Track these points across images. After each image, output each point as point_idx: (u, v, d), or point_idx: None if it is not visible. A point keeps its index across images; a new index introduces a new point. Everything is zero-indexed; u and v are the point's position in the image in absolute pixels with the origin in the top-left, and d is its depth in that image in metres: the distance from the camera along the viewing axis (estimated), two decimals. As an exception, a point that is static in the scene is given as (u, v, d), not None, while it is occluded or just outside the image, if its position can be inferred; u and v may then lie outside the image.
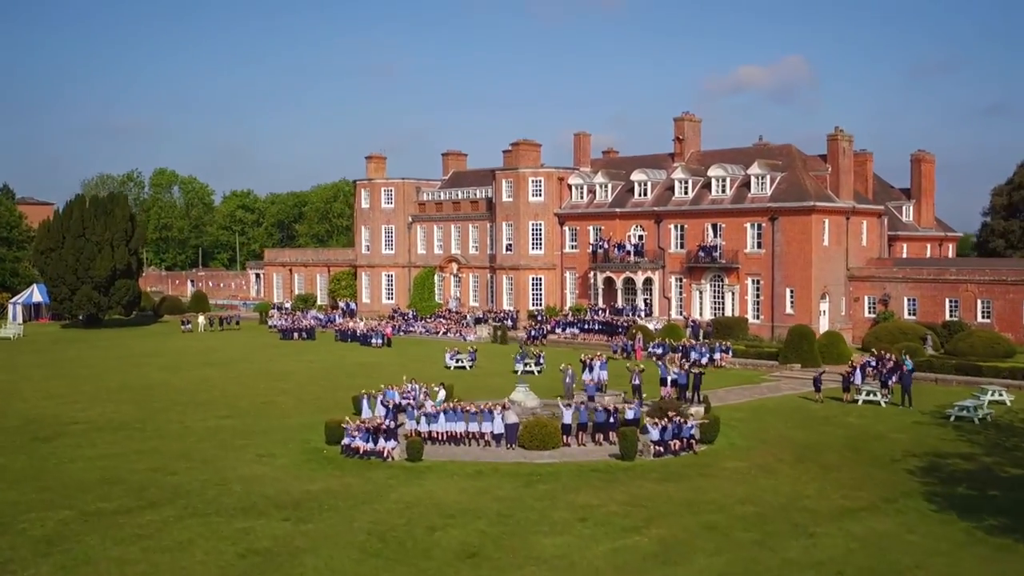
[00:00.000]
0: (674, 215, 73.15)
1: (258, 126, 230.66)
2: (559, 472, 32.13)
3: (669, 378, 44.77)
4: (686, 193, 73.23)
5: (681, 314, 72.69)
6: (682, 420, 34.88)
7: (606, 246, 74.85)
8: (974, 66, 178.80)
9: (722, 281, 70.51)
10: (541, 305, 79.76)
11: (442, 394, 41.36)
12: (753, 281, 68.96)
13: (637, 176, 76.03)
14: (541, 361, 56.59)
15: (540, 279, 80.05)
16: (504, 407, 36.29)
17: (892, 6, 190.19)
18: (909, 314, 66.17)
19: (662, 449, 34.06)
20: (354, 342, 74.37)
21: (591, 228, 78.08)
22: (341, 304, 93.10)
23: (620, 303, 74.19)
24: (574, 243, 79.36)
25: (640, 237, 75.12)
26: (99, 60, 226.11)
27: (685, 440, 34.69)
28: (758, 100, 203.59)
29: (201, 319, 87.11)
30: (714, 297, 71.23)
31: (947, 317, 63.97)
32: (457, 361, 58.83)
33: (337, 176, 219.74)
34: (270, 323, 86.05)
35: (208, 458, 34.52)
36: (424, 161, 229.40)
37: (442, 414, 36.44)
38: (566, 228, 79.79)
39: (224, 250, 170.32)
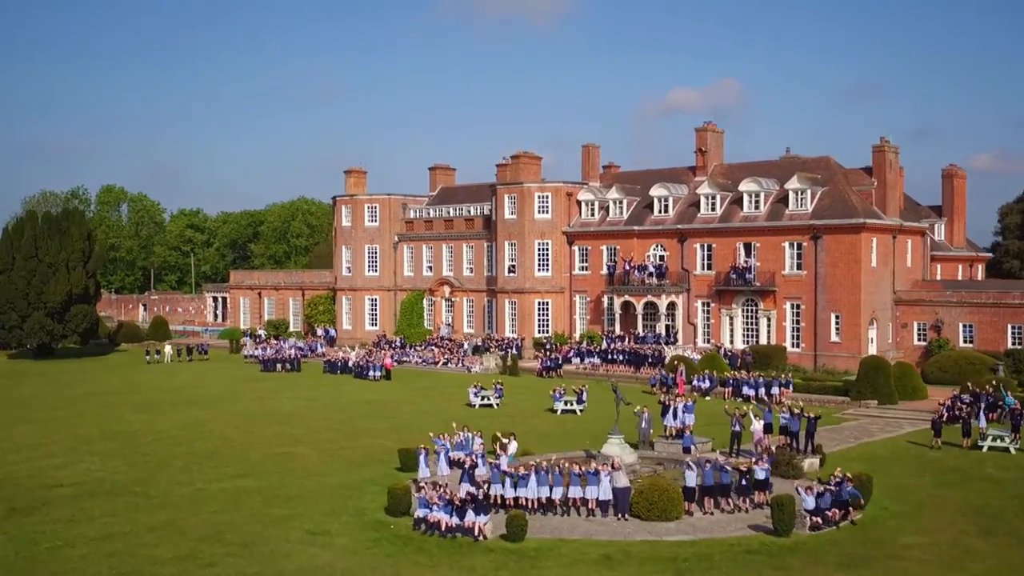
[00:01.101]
0: (701, 233, 66.91)
1: (202, 144, 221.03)
2: (709, 556, 25.26)
3: (761, 423, 37.88)
4: (713, 209, 67.06)
5: (708, 342, 66.36)
6: (841, 482, 28.23)
7: (626, 267, 68.30)
8: (901, 90, 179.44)
9: (756, 306, 64.34)
10: (548, 332, 72.93)
11: (514, 446, 34.35)
12: (792, 306, 62.88)
13: (657, 191, 69.72)
14: (584, 399, 49.66)
15: (547, 303, 73.24)
16: (613, 467, 29.34)
17: (822, 31, 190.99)
18: (965, 342, 60.59)
19: (820, 520, 27.40)
20: (345, 374, 66.92)
21: (604, 248, 71.54)
22: (320, 331, 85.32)
23: (640, 330, 67.62)
24: (585, 264, 72.74)
25: (661, 258, 68.74)
26: (34, 76, 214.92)
27: (842, 508, 28.05)
28: (692, 122, 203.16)
29: (168, 348, 78.80)
30: (747, 323, 65.03)
31: (1009, 345, 58.40)
32: (483, 398, 51.74)
33: (294, 193, 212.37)
34: (245, 352, 78.05)
35: (247, 538, 27.06)
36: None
37: (533, 475, 29.36)
38: (575, 248, 73.16)
39: (172, 272, 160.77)
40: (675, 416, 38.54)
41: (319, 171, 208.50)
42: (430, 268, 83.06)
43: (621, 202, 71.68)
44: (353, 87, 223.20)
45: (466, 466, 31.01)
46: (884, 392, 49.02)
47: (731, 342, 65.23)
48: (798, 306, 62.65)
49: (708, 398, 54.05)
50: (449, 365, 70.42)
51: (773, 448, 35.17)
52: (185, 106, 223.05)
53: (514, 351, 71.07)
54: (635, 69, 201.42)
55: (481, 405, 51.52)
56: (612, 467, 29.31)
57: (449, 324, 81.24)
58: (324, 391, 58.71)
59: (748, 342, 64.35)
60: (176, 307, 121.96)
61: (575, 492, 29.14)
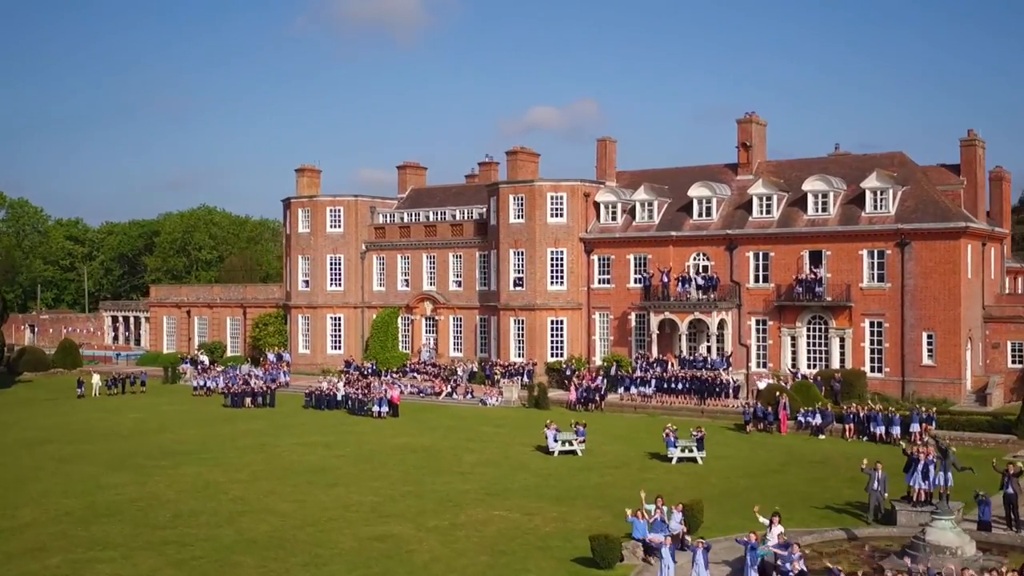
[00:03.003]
0: (755, 240, 57.61)
1: (68, 152, 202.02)
2: None
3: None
4: (769, 212, 57.85)
5: (765, 366, 57.04)
6: None
7: (664, 279, 58.39)
8: (756, 110, 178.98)
9: (826, 323, 55.36)
10: (563, 355, 62.40)
11: (778, 529, 23.86)
12: (872, 323, 54.13)
13: (698, 191, 60.10)
14: (700, 445, 39.29)
15: (561, 322, 62.71)
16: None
17: (678, 54, 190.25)
18: (1070, 363, 52.98)
19: None
20: (332, 409, 55.12)
21: (631, 257, 61.51)
22: (270, 356, 72.51)
23: (685, 352, 57.81)
24: (606, 276, 62.55)
25: (704, 268, 59.14)
26: None
27: None
28: (551, 140, 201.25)
29: (96, 379, 64.89)
30: (813, 344, 55.96)
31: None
32: (563, 444, 40.93)
33: (194, 202, 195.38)
34: (194, 383, 64.86)
35: None
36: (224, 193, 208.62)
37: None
38: (595, 257, 62.90)
39: (49, 288, 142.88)
40: (926, 474, 28.48)
41: (153, 186, 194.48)
42: (406, 281, 71.51)
43: (651, 204, 61.80)
44: (209, 100, 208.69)
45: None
46: (1057, 428, 40.46)
47: (792, 365, 56.05)
48: (880, 324, 53.94)
49: (822, 437, 44.63)
50: (455, 396, 59.13)
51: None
52: (44, 112, 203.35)
53: (524, 378, 60.40)
54: (496, 86, 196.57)
55: (561, 452, 40.73)
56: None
57: (432, 347, 69.77)
58: (336, 434, 46.84)
59: (815, 366, 55.29)
60: (69, 328, 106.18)
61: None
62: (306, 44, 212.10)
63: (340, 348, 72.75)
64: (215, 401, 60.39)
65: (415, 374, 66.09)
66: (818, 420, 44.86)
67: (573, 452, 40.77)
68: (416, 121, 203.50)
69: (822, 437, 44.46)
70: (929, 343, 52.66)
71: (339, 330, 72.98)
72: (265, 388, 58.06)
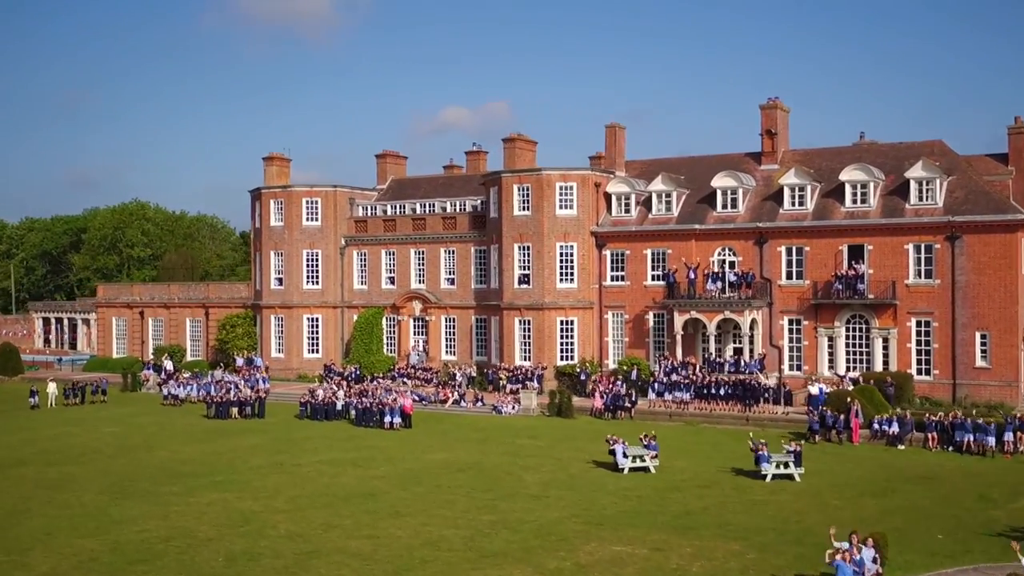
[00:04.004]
0: (788, 233, 53.61)
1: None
2: None
3: None
4: (802, 204, 53.87)
5: (799, 369, 53.11)
6: None
7: (691, 276, 54.03)
8: (664, 116, 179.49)
9: (867, 323, 51.61)
10: (572, 358, 57.65)
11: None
12: (919, 323, 50.53)
13: (723, 181, 55.86)
14: (798, 460, 34.86)
15: (572, 322, 57.91)
16: None
17: (590, 61, 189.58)
18: (1125, 364, 50.00)
19: None
20: (332, 420, 49.62)
21: (649, 252, 57.02)
22: (239, 360, 66.19)
23: (713, 354, 53.53)
24: (620, 273, 57.97)
25: (732, 264, 54.95)
26: None
27: None
28: (463, 141, 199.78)
29: (52, 388, 58.04)
30: (852, 345, 52.15)
31: None
32: (634, 460, 36.16)
33: (126, 196, 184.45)
34: (165, 392, 58.42)
35: None
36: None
37: None
38: (607, 252, 58.27)
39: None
40: None
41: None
42: (391, 279, 65.97)
43: (669, 195, 57.36)
44: (108, 95, 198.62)
45: None
46: None
47: (829, 368, 52.20)
48: (927, 323, 50.35)
49: (901, 447, 40.66)
50: (463, 404, 53.93)
51: None
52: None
53: (534, 383, 55.57)
54: (408, 87, 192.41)
55: (632, 469, 35.96)
56: None
57: (422, 349, 64.37)
58: (355, 450, 41.40)
59: (854, 368, 51.48)
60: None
61: None
62: (214, 40, 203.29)
63: (318, 351, 66.84)
64: (192, 411, 54.32)
65: (405, 379, 60.63)
66: (895, 428, 40.87)
67: (644, 469, 36.02)
68: (327, 120, 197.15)
69: (901, 447, 40.50)
70: (983, 343, 49.21)
71: (316, 332, 67.07)
72: (253, 397, 52.01)
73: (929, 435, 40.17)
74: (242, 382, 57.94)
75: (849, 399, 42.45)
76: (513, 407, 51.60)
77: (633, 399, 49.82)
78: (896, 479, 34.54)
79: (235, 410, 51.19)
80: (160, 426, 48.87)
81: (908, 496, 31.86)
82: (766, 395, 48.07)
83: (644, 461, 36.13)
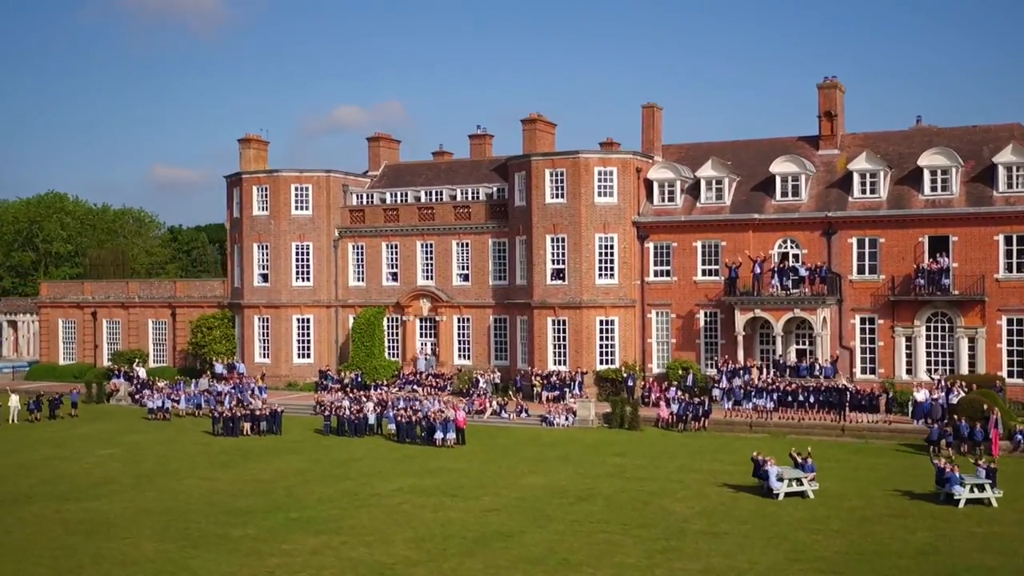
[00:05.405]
0: (860, 224, 48.78)
1: None
2: None
3: None
4: (874, 191, 49.09)
5: (873, 372, 48.35)
6: None
7: (756, 270, 48.77)
8: (558, 116, 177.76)
9: (951, 322, 47.08)
10: (612, 362, 51.86)
11: None
12: (1012, 321, 46.18)
13: (783, 166, 50.74)
14: (993, 480, 29.68)
15: (612, 322, 52.11)
16: None
17: (478, 62, 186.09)
18: None
19: None
20: (363, 435, 42.92)
21: (699, 244, 51.61)
22: (218, 366, 58.46)
23: (783, 356, 48.40)
24: (665, 267, 52.42)
25: (795, 257, 49.87)
26: None
27: None
28: (356, 140, 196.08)
29: (14, 401, 49.70)
30: (935, 345, 47.55)
31: None
32: (789, 484, 30.55)
33: (41, 187, 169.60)
34: (150, 404, 50.60)
35: None
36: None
37: None
38: (650, 245, 52.66)
39: None
40: None
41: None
42: (393, 275, 59.16)
43: (720, 182, 52.02)
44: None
45: None
46: None
47: (908, 372, 47.54)
48: (1020, 321, 46.04)
49: (1050, 461, 35.94)
50: (505, 415, 47.63)
51: None
52: None
53: (576, 389, 49.70)
54: (300, 85, 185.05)
55: (788, 494, 30.34)
56: None
57: (431, 353, 57.75)
58: (424, 474, 34.86)
59: (935, 371, 46.93)
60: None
61: None
62: (95, 35, 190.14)
63: (309, 356, 59.61)
64: (187, 427, 46.94)
65: (414, 387, 54.01)
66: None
67: (801, 494, 30.43)
68: (216, 117, 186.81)
69: (1049, 462, 35.79)
70: (1083, 344, 45.15)
71: (307, 334, 59.81)
72: (268, 411, 44.78)
73: (1082, 447, 35.54)
74: (233, 391, 50.72)
75: (985, 406, 37.55)
76: (566, 418, 45.50)
77: (706, 408, 44.25)
78: None
79: (247, 426, 43.90)
80: (165, 446, 41.40)
81: None
82: (863, 402, 42.98)
83: (802, 484, 30.52)
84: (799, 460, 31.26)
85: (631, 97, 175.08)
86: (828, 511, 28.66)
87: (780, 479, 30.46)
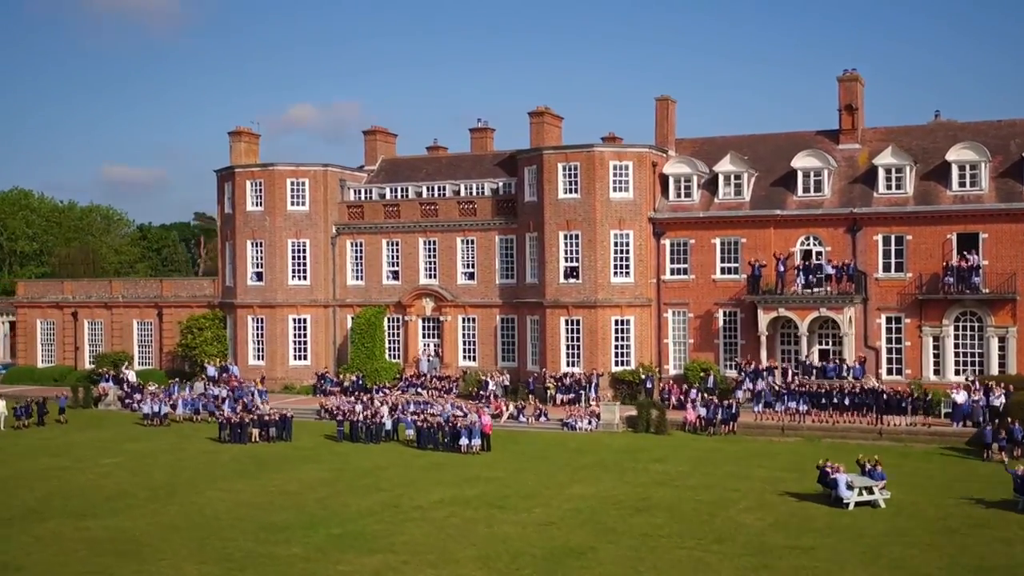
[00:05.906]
0: (886, 220, 47.39)
1: None
2: None
3: None
4: (899, 187, 47.72)
5: (900, 373, 46.99)
6: None
7: (780, 268, 47.22)
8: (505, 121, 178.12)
9: (980, 321, 45.81)
10: (628, 363, 50.08)
11: None
12: (1044, 320, 45.02)
13: (805, 161, 49.23)
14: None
15: (627, 322, 50.32)
16: None
17: (444, 62, 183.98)
18: None
19: None
20: (378, 441, 40.78)
21: (717, 242, 50.00)
22: (210, 369, 55.87)
23: (804, 357, 46.90)
24: (682, 265, 50.75)
25: (819, 254, 48.40)
26: None
27: None
28: (312, 139, 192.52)
29: (1, 406, 46.89)
30: (963, 345, 46.27)
31: None
32: (860, 492, 28.89)
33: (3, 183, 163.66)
34: (146, 409, 48.00)
35: None
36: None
37: None
38: (666, 242, 50.96)
39: None
40: None
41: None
42: (394, 273, 56.95)
43: (739, 177, 50.42)
44: None
45: None
46: None
47: (936, 373, 46.24)
48: (1052, 320, 44.90)
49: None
50: (523, 419, 45.66)
51: None
52: None
53: (591, 391, 47.89)
54: (255, 84, 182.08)
55: (857, 503, 28.69)
56: None
57: (434, 354, 55.63)
58: (466, 483, 32.79)
59: (963, 372, 45.67)
60: None
61: None
62: (44, 30, 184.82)
63: (306, 358, 57.20)
64: (188, 433, 44.57)
65: (418, 390, 51.90)
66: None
67: (871, 503, 28.77)
68: (168, 115, 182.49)
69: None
70: (1120, 344, 44.04)
71: (304, 335, 57.40)
72: (278, 416, 42.44)
73: None
74: (232, 394, 48.36)
75: (1038, 409, 36.23)
76: (589, 422, 43.61)
77: (735, 410, 42.58)
78: None
79: (256, 432, 41.54)
80: (171, 455, 38.96)
81: None
82: (903, 404, 41.51)
83: (872, 493, 28.86)
84: (867, 467, 29.60)
85: (632, 94, 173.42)
86: (907, 522, 27.04)
87: (850, 487, 28.77)
